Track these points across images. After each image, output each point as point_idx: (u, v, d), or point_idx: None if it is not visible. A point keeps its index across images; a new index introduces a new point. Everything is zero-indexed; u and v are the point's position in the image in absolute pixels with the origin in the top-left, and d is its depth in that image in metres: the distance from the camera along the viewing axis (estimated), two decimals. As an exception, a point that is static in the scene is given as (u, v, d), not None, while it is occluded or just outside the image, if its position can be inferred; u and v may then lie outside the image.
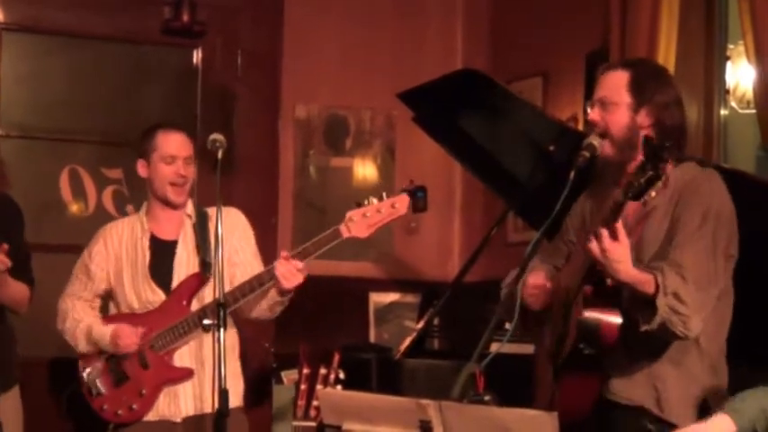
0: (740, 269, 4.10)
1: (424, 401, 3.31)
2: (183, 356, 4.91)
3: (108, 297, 5.16)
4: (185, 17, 7.07)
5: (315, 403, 4.47)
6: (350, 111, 7.71)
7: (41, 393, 6.41)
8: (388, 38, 7.73)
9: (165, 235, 5.06)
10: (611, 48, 6.37)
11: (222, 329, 4.33)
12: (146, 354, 4.90)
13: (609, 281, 3.92)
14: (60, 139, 7.06)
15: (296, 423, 4.56)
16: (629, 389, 4.06)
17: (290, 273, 4.65)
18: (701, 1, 6.39)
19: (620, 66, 4.21)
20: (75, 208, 7.10)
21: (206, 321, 4.61)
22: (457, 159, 6.24)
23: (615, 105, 4.10)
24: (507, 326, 4.44)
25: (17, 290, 5.04)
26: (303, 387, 4.59)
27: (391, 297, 7.55)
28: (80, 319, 5.07)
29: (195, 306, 4.90)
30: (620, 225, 3.79)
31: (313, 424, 4.49)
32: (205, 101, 7.12)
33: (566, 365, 4.14)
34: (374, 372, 6.07)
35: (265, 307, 4.86)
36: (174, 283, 4.96)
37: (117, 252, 5.08)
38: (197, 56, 7.30)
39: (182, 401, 4.89)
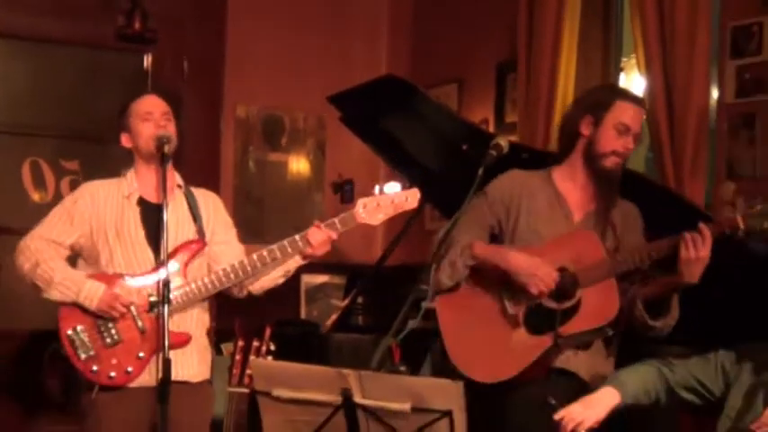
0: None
1: (345, 371, 3.30)
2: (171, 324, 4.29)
3: (77, 254, 4.56)
4: (137, 25, 7.10)
5: (248, 372, 4.44)
6: (285, 111, 7.72)
7: (8, 363, 6.37)
8: (320, 46, 7.79)
9: (155, 198, 4.51)
10: (518, 58, 6.41)
11: (167, 306, 4.15)
12: (143, 317, 4.38)
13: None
14: (22, 133, 7.06)
15: (231, 389, 4.52)
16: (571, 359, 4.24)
17: (324, 241, 4.46)
18: (598, 18, 6.48)
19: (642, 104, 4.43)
20: (36, 196, 7.07)
21: (152, 298, 4.34)
22: (380, 156, 6.26)
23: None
24: (423, 304, 4.46)
25: None
26: (238, 358, 4.55)
27: (321, 278, 7.57)
28: (55, 268, 4.43)
29: (189, 273, 4.47)
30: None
31: (246, 390, 4.46)
32: (154, 101, 7.08)
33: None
34: (303, 344, 6.06)
35: (278, 275, 4.60)
36: (164, 246, 4.36)
37: (101, 209, 4.51)
38: (147, 60, 7.31)
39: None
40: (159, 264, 4.38)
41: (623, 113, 4.26)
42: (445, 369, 4.30)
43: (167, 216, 4.41)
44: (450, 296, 4.40)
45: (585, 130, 4.29)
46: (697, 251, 3.99)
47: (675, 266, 4.06)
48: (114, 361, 4.39)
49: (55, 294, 4.42)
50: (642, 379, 3.95)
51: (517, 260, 4.22)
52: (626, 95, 4.39)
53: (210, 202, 4.71)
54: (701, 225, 4.02)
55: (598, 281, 4.18)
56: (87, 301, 4.38)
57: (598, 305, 4.17)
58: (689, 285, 4.04)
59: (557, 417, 3.90)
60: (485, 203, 4.41)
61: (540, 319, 4.21)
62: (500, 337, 4.25)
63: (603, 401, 3.91)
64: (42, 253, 4.47)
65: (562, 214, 4.36)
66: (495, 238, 4.45)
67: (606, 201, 4.34)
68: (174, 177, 4.65)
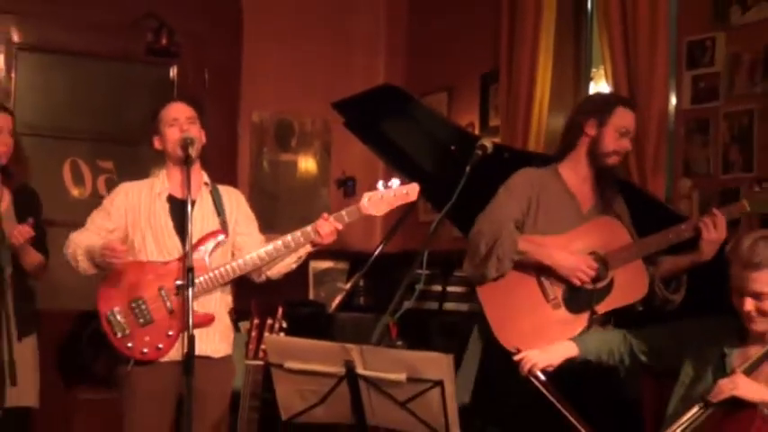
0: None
1: (348, 345, 3.32)
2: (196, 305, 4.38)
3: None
4: (164, 41, 7.10)
5: (263, 347, 4.44)
6: (295, 116, 7.71)
7: (54, 339, 6.39)
8: (324, 58, 7.74)
9: (183, 195, 4.48)
10: (500, 70, 6.43)
11: (191, 289, 4.16)
12: (171, 300, 4.42)
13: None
14: (63, 137, 7.07)
15: (247, 362, 4.52)
16: None
17: (331, 231, 4.45)
18: (570, 34, 6.50)
19: (635, 107, 4.46)
20: (75, 192, 7.10)
21: (178, 282, 4.35)
22: (379, 156, 6.25)
23: None
24: (416, 286, 4.47)
25: (37, 259, 5.00)
26: (254, 334, 4.52)
27: (326, 264, 7.57)
28: (79, 243, 4.48)
29: (213, 260, 4.49)
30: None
31: (261, 363, 4.45)
32: (179, 109, 7.10)
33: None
34: (312, 322, 6.07)
35: (292, 261, 4.60)
36: (189, 237, 4.35)
37: (135, 204, 4.55)
38: (173, 72, 7.33)
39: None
40: (186, 251, 4.38)
41: (623, 118, 4.31)
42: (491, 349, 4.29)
43: (194, 211, 4.46)
44: (491, 282, 4.31)
45: (590, 130, 4.31)
46: (718, 232, 4.10)
47: (675, 249, 4.20)
48: (147, 338, 4.44)
49: (81, 267, 4.50)
50: (606, 340, 3.98)
51: (560, 258, 4.20)
52: (625, 102, 4.46)
53: (234, 198, 4.74)
54: (714, 210, 4.15)
55: (627, 262, 4.23)
56: (95, 256, 4.42)
57: (629, 284, 4.22)
58: (705, 262, 4.13)
59: (516, 358, 3.93)
60: (511, 198, 4.35)
61: (577, 299, 4.21)
62: (543, 318, 4.21)
63: (560, 351, 3.94)
64: (74, 238, 4.54)
65: (573, 206, 4.35)
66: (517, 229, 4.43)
67: (608, 193, 4.38)
68: (202, 176, 4.67)
